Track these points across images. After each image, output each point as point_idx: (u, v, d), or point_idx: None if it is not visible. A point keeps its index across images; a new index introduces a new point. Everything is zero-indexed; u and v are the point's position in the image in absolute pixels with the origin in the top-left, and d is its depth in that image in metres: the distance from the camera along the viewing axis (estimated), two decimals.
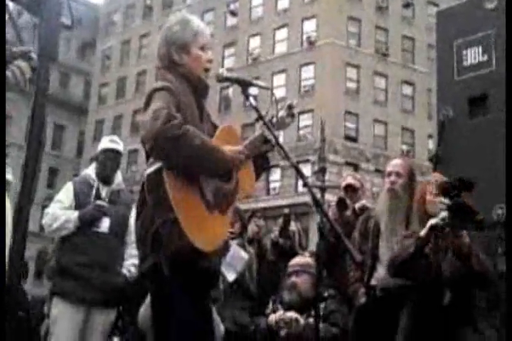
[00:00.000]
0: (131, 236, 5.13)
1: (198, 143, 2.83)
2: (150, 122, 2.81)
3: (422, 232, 3.93)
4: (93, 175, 5.18)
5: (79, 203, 5.04)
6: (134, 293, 4.99)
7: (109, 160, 5.22)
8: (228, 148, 3.01)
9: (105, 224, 5.01)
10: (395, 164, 4.94)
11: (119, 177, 5.29)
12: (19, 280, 1.91)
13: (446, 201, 3.77)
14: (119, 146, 5.31)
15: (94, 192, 5.11)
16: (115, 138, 5.46)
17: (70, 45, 50.87)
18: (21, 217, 1.90)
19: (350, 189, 5.90)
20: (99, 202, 5.02)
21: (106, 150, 5.24)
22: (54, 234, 5.08)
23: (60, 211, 4.97)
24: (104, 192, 5.15)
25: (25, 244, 1.88)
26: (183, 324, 2.90)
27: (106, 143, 5.30)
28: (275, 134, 3.12)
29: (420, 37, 39.14)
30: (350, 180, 6.02)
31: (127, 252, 5.12)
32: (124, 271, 5.07)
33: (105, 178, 5.19)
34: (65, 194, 5.10)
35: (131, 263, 5.08)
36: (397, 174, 4.81)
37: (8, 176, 4.44)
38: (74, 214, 4.95)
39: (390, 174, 4.85)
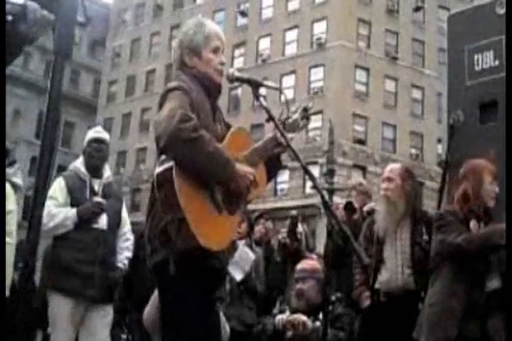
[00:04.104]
0: (123, 229, 5.17)
1: (211, 151, 2.83)
2: (165, 121, 2.82)
3: None
4: (83, 169, 5.08)
5: (74, 199, 4.96)
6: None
7: (95, 151, 5.13)
8: (241, 167, 2.99)
9: (103, 221, 4.98)
10: (387, 170, 5.03)
11: (107, 170, 5.23)
12: (32, 274, 1.92)
13: None
14: (104, 135, 5.24)
15: (88, 187, 5.04)
16: (99, 128, 5.39)
17: (80, 42, 50.97)
18: (35, 212, 1.92)
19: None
20: (97, 198, 4.97)
21: (91, 141, 5.16)
22: (51, 233, 4.91)
23: (56, 209, 4.87)
24: (96, 185, 5.08)
25: (38, 238, 1.90)
26: (189, 322, 2.91)
27: (90, 133, 5.22)
28: (286, 136, 3.12)
29: (431, 41, 39.07)
30: (351, 199, 5.98)
31: (119, 245, 5.12)
32: (120, 264, 5.08)
33: (94, 170, 5.10)
34: (58, 190, 4.96)
35: (124, 256, 5.13)
36: (389, 179, 4.90)
37: (18, 180, 4.45)
38: (72, 211, 4.89)
39: (383, 180, 4.95)
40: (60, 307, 4.82)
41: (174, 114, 2.82)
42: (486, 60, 4.94)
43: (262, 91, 3.23)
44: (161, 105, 2.99)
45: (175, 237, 2.85)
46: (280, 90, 3.40)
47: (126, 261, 5.13)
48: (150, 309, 4.28)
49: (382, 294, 4.72)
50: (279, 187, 35.60)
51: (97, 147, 5.14)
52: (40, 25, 2.38)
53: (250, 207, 6.67)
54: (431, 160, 36.79)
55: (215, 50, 3.25)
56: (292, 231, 6.30)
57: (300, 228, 6.40)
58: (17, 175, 4.55)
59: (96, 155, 5.13)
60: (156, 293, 4.92)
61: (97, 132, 5.25)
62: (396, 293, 4.67)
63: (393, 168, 5.05)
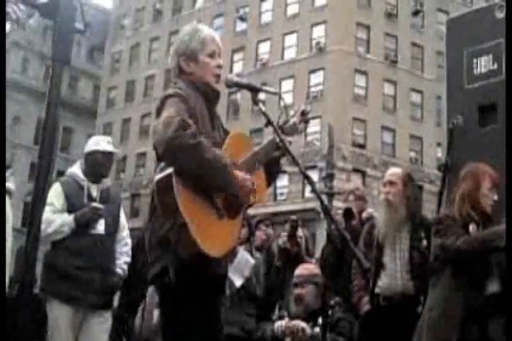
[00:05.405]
0: (121, 234, 5.17)
1: (210, 157, 2.84)
2: (163, 128, 2.82)
3: None
4: (81, 175, 5.09)
5: (71, 205, 4.96)
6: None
7: (107, 162, 5.18)
8: (240, 174, 3.00)
9: (101, 226, 4.97)
10: (389, 173, 5.05)
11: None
12: (32, 279, 1.92)
13: None
14: (116, 150, 5.36)
15: (85, 192, 5.03)
16: (110, 138, 5.43)
17: (79, 48, 51.04)
18: (34, 218, 1.91)
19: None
20: (95, 204, 4.96)
21: (104, 152, 5.17)
22: (48, 239, 4.88)
23: (54, 215, 4.86)
24: (94, 191, 5.08)
25: (38, 244, 1.89)
26: (190, 330, 2.91)
27: (104, 144, 5.23)
28: (284, 140, 3.12)
29: (429, 44, 39.09)
30: (349, 205, 5.96)
31: (118, 250, 5.11)
32: (118, 269, 5.08)
33: (94, 176, 5.11)
34: (55, 196, 4.94)
35: (123, 261, 5.13)
36: (391, 183, 4.90)
37: (11, 185, 4.43)
38: (69, 218, 4.88)
39: (385, 184, 4.94)
40: (59, 314, 4.80)
41: (172, 121, 2.82)
42: (485, 63, 4.94)
43: (261, 96, 3.23)
44: (158, 112, 2.99)
45: (175, 244, 2.85)
46: (279, 95, 3.41)
47: (125, 266, 5.13)
48: (145, 317, 4.27)
49: (381, 298, 4.71)
50: (278, 191, 35.58)
51: (109, 159, 5.20)
52: None
53: (250, 211, 6.64)
54: (430, 163, 36.75)
55: (212, 54, 3.26)
56: (292, 236, 6.28)
57: (300, 232, 6.37)
58: (10, 180, 4.55)
59: (106, 166, 5.18)
60: (148, 300, 4.91)
61: (110, 144, 5.26)
62: (395, 298, 4.66)
63: (395, 172, 5.05)
